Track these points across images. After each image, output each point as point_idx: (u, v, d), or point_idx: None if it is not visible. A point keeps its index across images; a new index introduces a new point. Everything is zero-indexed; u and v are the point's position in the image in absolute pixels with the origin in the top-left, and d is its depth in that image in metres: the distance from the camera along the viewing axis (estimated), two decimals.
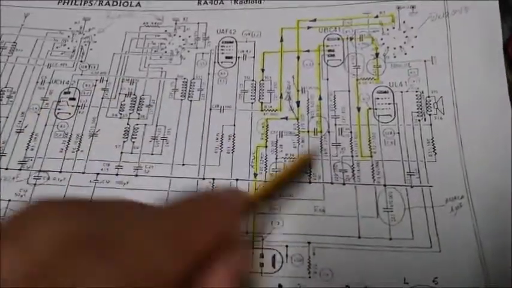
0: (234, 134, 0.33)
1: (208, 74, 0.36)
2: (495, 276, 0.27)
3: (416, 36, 0.35)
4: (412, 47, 0.35)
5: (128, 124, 0.34)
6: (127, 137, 0.33)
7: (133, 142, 0.33)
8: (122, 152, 0.33)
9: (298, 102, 0.34)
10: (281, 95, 0.34)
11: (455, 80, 0.33)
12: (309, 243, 0.29)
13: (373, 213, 0.30)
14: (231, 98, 0.35)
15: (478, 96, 0.32)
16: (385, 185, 0.30)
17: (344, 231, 0.29)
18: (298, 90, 0.35)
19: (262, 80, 0.35)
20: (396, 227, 0.29)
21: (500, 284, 0.27)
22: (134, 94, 0.35)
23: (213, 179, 0.32)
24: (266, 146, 0.33)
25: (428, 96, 0.33)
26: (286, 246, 0.29)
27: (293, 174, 0.27)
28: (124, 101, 0.35)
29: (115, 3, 0.40)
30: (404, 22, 0.36)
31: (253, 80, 0.35)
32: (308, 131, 0.33)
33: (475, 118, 0.32)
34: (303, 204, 0.30)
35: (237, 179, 0.31)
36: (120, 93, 0.35)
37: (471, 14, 0.35)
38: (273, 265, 0.29)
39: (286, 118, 0.34)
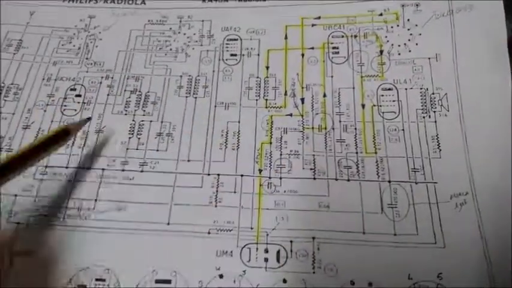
0: (239, 130, 0.33)
1: (213, 71, 0.36)
2: (499, 272, 0.27)
3: (420, 34, 0.35)
4: (417, 44, 0.35)
5: (133, 121, 0.34)
6: (133, 133, 0.34)
7: (139, 138, 0.33)
8: (127, 148, 0.33)
9: (302, 99, 0.34)
10: (286, 92, 0.35)
11: (460, 77, 0.33)
12: (313, 238, 0.29)
13: (378, 209, 0.30)
14: (236, 95, 0.35)
15: (483, 93, 0.32)
16: (389, 181, 0.30)
17: (348, 227, 0.29)
18: (302, 87, 0.35)
19: (267, 77, 0.35)
20: (401, 223, 0.29)
21: (505, 280, 0.27)
22: (139, 91, 0.35)
23: (218, 174, 0.32)
24: (270, 143, 0.33)
25: (433, 93, 0.33)
26: (291, 241, 0.29)
27: (41, 147, 0.28)
28: (129, 97, 0.35)
29: (120, 1, 0.40)
30: (408, 20, 0.36)
31: (257, 77, 0.35)
32: (312, 128, 0.33)
33: (480, 115, 0.32)
34: (307, 200, 0.30)
35: (241, 175, 0.32)
36: (125, 90, 0.36)
37: (476, 12, 0.35)
38: (278, 260, 0.29)
39: (291, 115, 0.34)
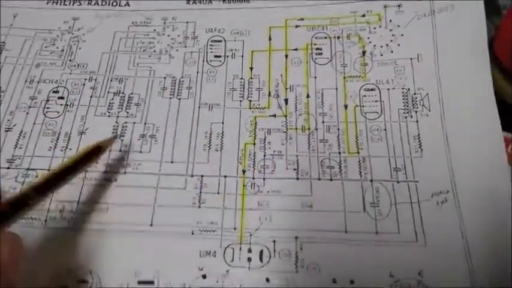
0: (223, 131, 0.33)
1: (197, 72, 0.36)
2: (480, 270, 0.27)
3: (402, 35, 0.36)
4: (399, 45, 0.35)
5: (116, 122, 0.34)
6: (116, 135, 0.34)
7: (122, 140, 0.33)
8: (110, 150, 0.33)
9: (286, 100, 0.34)
10: (269, 93, 0.35)
11: (441, 77, 0.33)
12: (296, 238, 0.29)
13: (360, 208, 0.30)
14: (220, 96, 0.35)
15: (464, 93, 0.33)
16: (371, 181, 0.31)
17: (331, 226, 0.29)
18: (286, 88, 0.35)
19: (251, 78, 0.35)
20: (382, 222, 0.29)
21: (485, 278, 0.27)
22: (123, 93, 0.35)
23: (202, 176, 0.32)
24: (254, 143, 0.33)
25: (415, 94, 0.33)
26: (274, 241, 0.29)
27: (75, 165, 0.28)
28: (113, 99, 0.35)
29: (104, 3, 0.40)
30: (390, 21, 0.36)
31: (241, 79, 0.36)
32: (296, 128, 0.33)
33: (461, 114, 0.32)
34: (290, 200, 0.30)
35: (225, 176, 0.32)
36: (108, 92, 0.35)
37: (457, 13, 0.35)
38: (261, 260, 0.29)
39: (275, 115, 0.34)
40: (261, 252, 0.29)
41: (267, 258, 0.29)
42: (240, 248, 0.29)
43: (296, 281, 0.28)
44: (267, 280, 0.28)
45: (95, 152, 0.30)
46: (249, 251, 0.29)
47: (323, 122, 0.33)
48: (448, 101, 0.33)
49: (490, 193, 0.29)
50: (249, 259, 0.29)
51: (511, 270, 0.27)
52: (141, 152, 0.33)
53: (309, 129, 0.33)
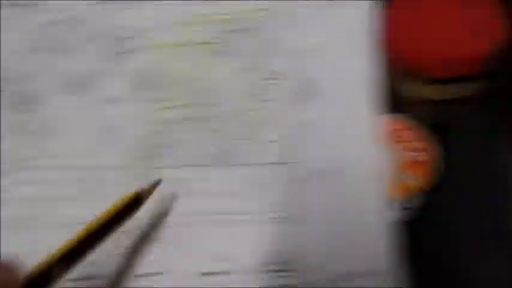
0: (124, 126, 0.34)
1: (103, 68, 0.37)
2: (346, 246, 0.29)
3: (302, 26, 0.36)
4: (299, 36, 0.36)
5: (18, 119, 0.35)
6: (15, 132, 0.34)
7: (22, 137, 0.34)
8: (9, 147, 0.34)
9: (189, 92, 0.35)
10: (173, 86, 0.36)
11: (335, 66, 0.35)
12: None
13: (236, 191, 0.32)
14: (123, 91, 0.36)
15: (352, 82, 0.34)
16: (256, 165, 0.32)
17: (206, 209, 0.31)
18: (189, 81, 0.36)
19: (156, 72, 0.36)
20: (255, 202, 0.31)
21: (350, 255, 0.29)
22: (26, 90, 0.36)
23: (101, 167, 0.33)
24: (157, 134, 0.34)
25: (310, 83, 0.34)
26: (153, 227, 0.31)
27: (109, 222, 0.25)
28: (15, 97, 0.36)
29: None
30: (291, 12, 0.37)
31: (146, 73, 0.36)
32: (196, 119, 0.34)
33: (345, 101, 0.33)
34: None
35: (125, 167, 0.33)
36: (10, 91, 0.36)
37: (353, 4, 0.36)
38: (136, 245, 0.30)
39: (177, 107, 0.35)
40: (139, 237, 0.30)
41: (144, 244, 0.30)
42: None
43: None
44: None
45: (133, 203, 0.27)
46: None
47: (221, 111, 0.34)
48: (340, 88, 0.34)
49: (362, 172, 0.31)
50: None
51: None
52: (40, 148, 0.34)
53: (207, 119, 0.34)
